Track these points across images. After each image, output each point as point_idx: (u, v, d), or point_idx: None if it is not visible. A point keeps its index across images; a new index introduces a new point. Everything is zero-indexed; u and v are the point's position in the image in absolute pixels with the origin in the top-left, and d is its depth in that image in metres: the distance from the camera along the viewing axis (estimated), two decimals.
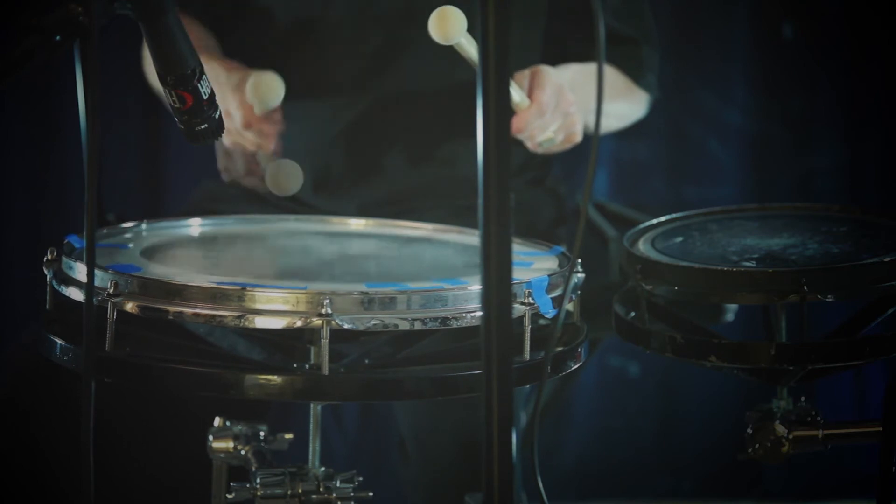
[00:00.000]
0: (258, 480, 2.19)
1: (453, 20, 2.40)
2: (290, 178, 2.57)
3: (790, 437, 2.31)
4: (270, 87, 2.60)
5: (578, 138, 2.66)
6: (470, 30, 2.41)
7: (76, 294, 2.08)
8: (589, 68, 2.79)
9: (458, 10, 2.40)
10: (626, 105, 2.94)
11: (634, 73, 2.90)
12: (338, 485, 2.19)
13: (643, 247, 2.41)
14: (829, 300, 2.22)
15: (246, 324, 1.98)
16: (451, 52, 2.52)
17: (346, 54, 2.80)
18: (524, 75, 2.58)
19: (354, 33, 2.80)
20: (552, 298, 2.10)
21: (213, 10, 2.91)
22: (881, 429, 2.24)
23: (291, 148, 2.78)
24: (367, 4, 2.79)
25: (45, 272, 2.16)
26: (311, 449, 2.22)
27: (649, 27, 2.93)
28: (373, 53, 2.78)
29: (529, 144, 2.61)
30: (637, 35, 2.90)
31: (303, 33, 2.82)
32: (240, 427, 2.38)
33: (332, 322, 1.95)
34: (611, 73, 2.86)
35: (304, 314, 1.96)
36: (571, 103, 2.60)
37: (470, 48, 2.45)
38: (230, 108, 2.62)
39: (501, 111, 1.54)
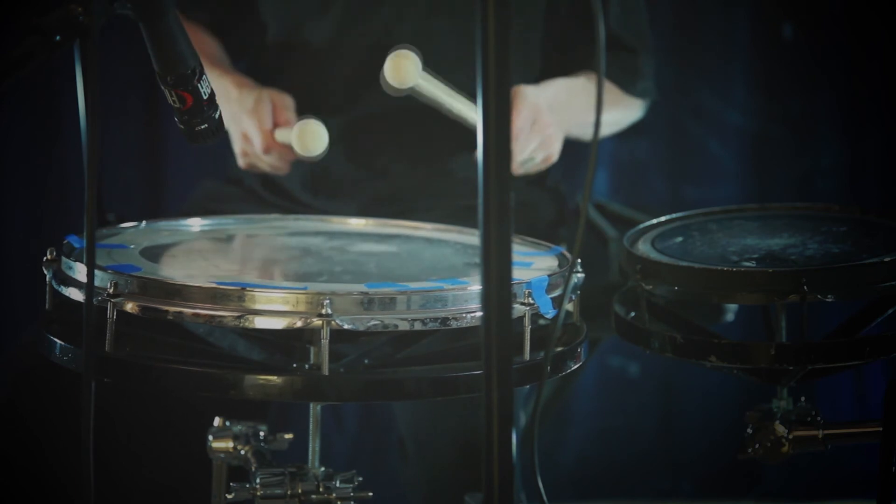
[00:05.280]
0: (258, 480, 2.19)
1: (408, 64, 2.44)
2: (315, 137, 2.57)
3: (790, 437, 2.31)
4: (316, 137, 2.58)
5: (555, 158, 2.69)
6: (425, 68, 2.46)
7: (76, 294, 2.08)
8: (575, 82, 2.80)
9: (410, 52, 2.45)
10: (617, 114, 2.96)
11: (628, 85, 2.91)
12: (338, 485, 2.19)
13: (643, 247, 2.41)
14: (829, 300, 2.22)
15: (246, 324, 1.98)
16: (450, 52, 2.53)
17: (345, 57, 2.80)
18: None
19: (352, 36, 2.80)
20: (552, 298, 2.10)
21: (214, 17, 2.91)
22: (881, 429, 2.24)
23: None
24: (360, 11, 2.80)
25: (45, 272, 2.16)
26: (310, 449, 2.22)
27: (646, 34, 2.95)
28: (371, 54, 2.78)
29: None
30: (635, 43, 2.91)
31: (299, 39, 2.82)
32: (240, 427, 2.38)
33: (333, 322, 1.95)
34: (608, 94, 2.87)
35: (304, 314, 1.96)
36: (549, 125, 2.63)
37: (431, 88, 2.48)
38: (248, 132, 2.65)
39: (501, 111, 1.54)
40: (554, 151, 2.68)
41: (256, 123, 2.65)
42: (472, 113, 2.60)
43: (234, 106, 2.67)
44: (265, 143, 2.65)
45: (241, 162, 2.73)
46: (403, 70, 2.47)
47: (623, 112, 2.97)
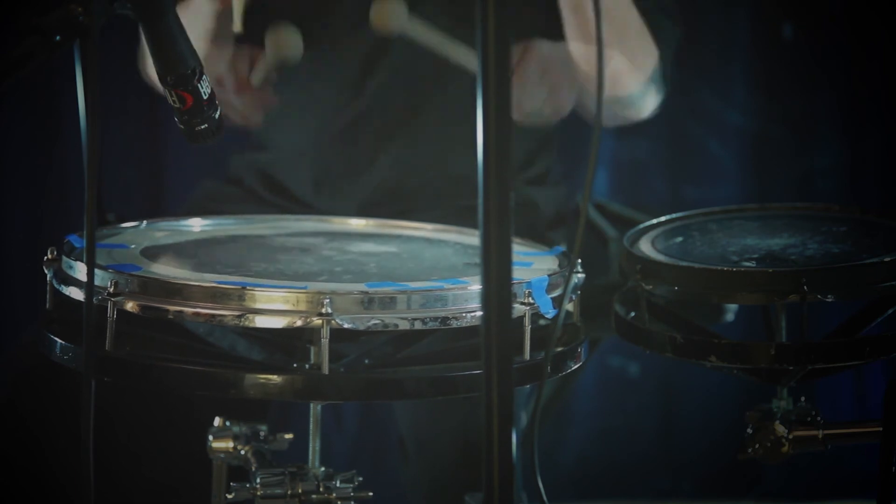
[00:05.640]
0: (258, 480, 2.19)
1: (391, 11, 2.48)
2: (290, 41, 2.55)
3: (790, 437, 2.31)
4: (290, 41, 2.56)
5: (565, 112, 2.63)
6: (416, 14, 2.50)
7: (76, 293, 2.08)
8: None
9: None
10: (634, 50, 2.81)
11: (655, 26, 2.80)
12: (338, 485, 2.19)
13: (643, 247, 2.41)
14: (829, 300, 2.22)
15: (246, 323, 1.98)
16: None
17: (342, 54, 2.80)
18: (516, 50, 2.56)
19: (348, 34, 2.80)
20: (552, 298, 2.10)
21: None
22: (881, 429, 2.24)
23: (291, 148, 2.78)
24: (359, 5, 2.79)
25: (45, 271, 2.16)
26: (311, 449, 2.22)
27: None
28: (368, 53, 2.78)
29: (515, 115, 2.57)
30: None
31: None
32: (240, 427, 2.38)
33: (333, 321, 1.95)
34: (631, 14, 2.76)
35: (304, 313, 1.96)
36: (559, 76, 2.58)
37: (422, 34, 2.49)
38: (221, 74, 2.61)
39: (501, 111, 1.54)
40: (564, 104, 2.62)
41: (235, 65, 2.62)
42: (469, 58, 2.57)
43: (213, 58, 2.63)
44: (238, 84, 2.62)
45: None
46: (388, 15, 2.49)
47: (638, 57, 2.81)
